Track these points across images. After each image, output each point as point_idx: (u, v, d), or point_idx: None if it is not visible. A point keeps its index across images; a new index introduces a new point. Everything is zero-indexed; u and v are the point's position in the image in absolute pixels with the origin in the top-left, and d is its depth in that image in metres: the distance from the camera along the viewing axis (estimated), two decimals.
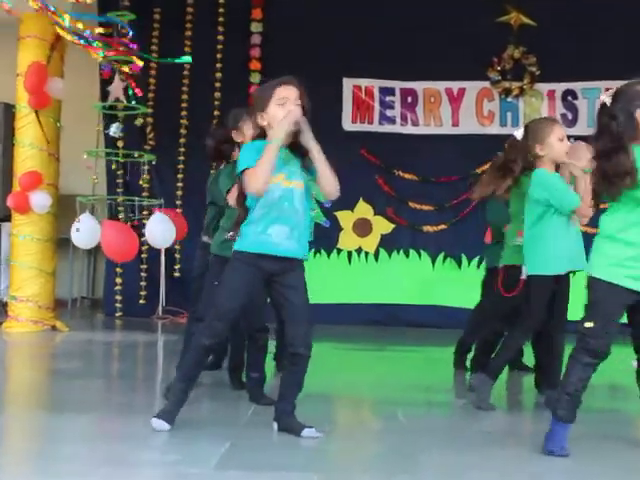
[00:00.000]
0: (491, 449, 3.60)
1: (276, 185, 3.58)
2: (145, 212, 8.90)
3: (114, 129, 7.20)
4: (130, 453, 3.31)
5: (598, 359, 3.53)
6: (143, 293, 9.53)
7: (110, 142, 8.81)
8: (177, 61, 7.56)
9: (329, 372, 6.03)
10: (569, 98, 9.48)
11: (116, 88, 6.91)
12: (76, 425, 3.85)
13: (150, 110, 9.14)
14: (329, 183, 3.69)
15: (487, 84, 9.50)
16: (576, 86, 9.47)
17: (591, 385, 3.55)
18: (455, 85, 9.55)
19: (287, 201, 3.58)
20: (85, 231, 7.24)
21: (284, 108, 3.61)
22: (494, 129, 9.40)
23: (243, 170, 3.59)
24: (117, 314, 9.46)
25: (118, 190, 9.31)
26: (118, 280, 9.56)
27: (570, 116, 9.47)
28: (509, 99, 9.46)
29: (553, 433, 3.55)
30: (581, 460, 3.43)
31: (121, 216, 8.98)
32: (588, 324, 3.52)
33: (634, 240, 3.49)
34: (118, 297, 9.58)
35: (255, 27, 9.67)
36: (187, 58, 7.65)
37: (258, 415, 4.14)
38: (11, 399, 4.63)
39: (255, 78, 9.67)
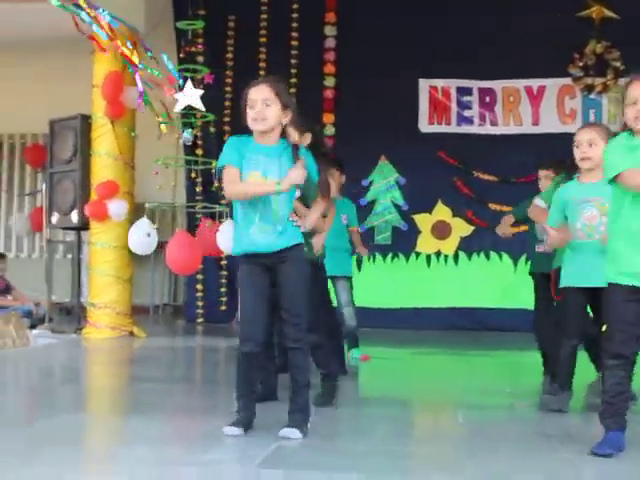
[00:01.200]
0: (545, 453, 3.57)
1: None
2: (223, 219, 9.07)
3: (185, 136, 7.37)
4: (182, 454, 3.40)
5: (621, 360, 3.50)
6: (223, 299, 9.72)
7: (189, 150, 9.04)
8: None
9: (404, 376, 6.08)
10: None
11: (186, 96, 7.06)
12: (141, 427, 3.96)
13: (227, 119, 9.36)
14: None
15: (568, 81, 9.37)
16: None
17: None
18: (535, 83, 9.44)
19: (263, 200, 3.65)
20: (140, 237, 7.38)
21: (252, 110, 3.66)
22: (576, 127, 9.22)
23: (224, 165, 3.69)
24: (198, 320, 9.68)
25: (197, 198, 9.55)
26: (199, 287, 9.78)
27: None
28: (592, 96, 9.31)
29: (605, 440, 3.50)
30: (632, 464, 3.36)
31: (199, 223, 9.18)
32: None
33: None
34: (199, 303, 9.80)
35: (329, 30, 9.77)
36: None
37: (315, 416, 4.20)
38: (87, 401, 4.83)
39: (330, 82, 9.78)
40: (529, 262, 5.86)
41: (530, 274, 5.70)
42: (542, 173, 5.63)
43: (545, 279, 5.43)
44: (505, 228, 5.97)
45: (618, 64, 9.21)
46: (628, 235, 3.52)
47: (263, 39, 9.80)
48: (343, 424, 4.23)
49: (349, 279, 6.58)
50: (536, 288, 5.67)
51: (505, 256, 9.27)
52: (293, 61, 9.78)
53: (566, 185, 4.62)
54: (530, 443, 3.73)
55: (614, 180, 3.49)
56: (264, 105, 3.67)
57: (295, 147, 3.77)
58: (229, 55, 9.81)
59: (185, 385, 5.60)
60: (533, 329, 5.72)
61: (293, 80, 9.72)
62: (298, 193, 4.02)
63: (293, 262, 3.70)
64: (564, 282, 4.55)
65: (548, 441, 3.77)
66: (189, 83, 7.21)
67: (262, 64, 9.77)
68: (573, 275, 4.46)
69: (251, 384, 3.78)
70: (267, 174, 3.66)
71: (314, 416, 4.10)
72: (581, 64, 9.30)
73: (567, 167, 4.95)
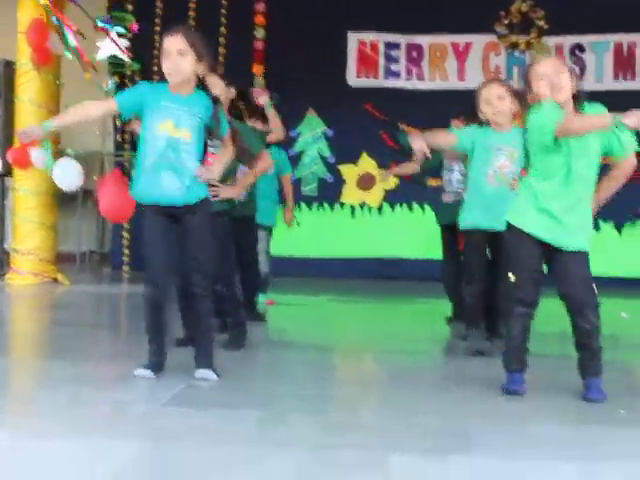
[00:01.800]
0: (447, 394, 3.80)
1: (162, 134, 3.71)
2: None
3: (109, 85, 7.36)
4: (92, 395, 3.54)
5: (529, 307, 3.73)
6: None
7: None
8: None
9: (322, 323, 6.28)
10: (577, 52, 9.50)
11: (109, 45, 7.05)
12: (60, 370, 4.05)
13: (155, 68, 9.33)
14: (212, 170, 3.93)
15: (494, 38, 9.55)
16: (584, 40, 9.48)
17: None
18: (461, 39, 9.61)
19: (173, 151, 3.70)
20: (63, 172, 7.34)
21: (166, 59, 3.72)
22: None
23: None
24: (124, 267, 9.75)
25: (125, 146, 9.60)
26: (125, 234, 9.82)
27: (578, 70, 9.48)
28: (516, 53, 9.51)
29: (511, 381, 3.75)
30: (532, 402, 3.61)
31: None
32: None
33: None
34: (125, 251, 9.86)
35: None
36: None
37: (224, 359, 4.38)
38: (7, 346, 4.92)
39: (260, 33, 9.82)
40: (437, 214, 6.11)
41: (439, 225, 5.95)
42: (453, 123, 5.85)
43: (450, 230, 5.67)
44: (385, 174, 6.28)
45: (542, 23, 9.42)
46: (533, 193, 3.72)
47: None
48: (254, 367, 4.39)
49: (270, 229, 6.79)
50: (443, 239, 5.92)
51: (427, 208, 9.47)
52: (223, 11, 9.78)
53: (482, 128, 4.78)
54: (436, 386, 3.97)
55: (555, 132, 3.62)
56: (179, 56, 3.72)
57: (215, 100, 3.85)
58: (158, 4, 9.76)
59: (105, 330, 5.72)
60: (442, 278, 6.00)
61: (223, 30, 9.75)
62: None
63: (200, 214, 3.79)
64: (467, 224, 4.77)
65: (449, 382, 4.05)
66: (113, 32, 7.22)
67: (191, 13, 9.76)
68: (476, 217, 4.68)
69: (160, 329, 3.88)
70: (179, 125, 3.71)
71: (225, 359, 4.29)
72: (506, 22, 9.48)
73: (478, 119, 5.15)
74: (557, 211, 3.64)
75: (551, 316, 4.07)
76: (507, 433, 3.12)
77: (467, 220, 4.79)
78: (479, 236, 4.71)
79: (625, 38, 9.42)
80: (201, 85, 3.83)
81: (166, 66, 3.74)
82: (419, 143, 4.31)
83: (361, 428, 3.11)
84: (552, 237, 3.66)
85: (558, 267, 3.72)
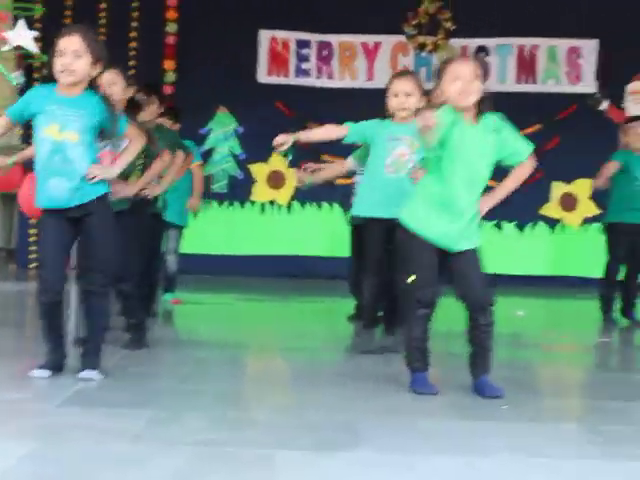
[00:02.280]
0: (338, 388, 3.89)
1: (47, 138, 3.69)
2: None
3: (15, 77, 7.22)
4: None
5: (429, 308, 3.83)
6: None
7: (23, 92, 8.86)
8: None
9: (228, 322, 6.31)
10: (481, 54, 9.67)
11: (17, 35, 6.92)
12: None
13: None
14: (117, 166, 3.95)
15: (402, 38, 9.71)
16: (489, 42, 9.72)
17: None
18: (371, 39, 9.74)
19: (59, 154, 3.68)
20: None
21: (60, 59, 3.66)
22: None
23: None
24: (30, 266, 9.59)
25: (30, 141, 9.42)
26: (31, 231, 9.66)
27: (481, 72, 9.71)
28: (423, 54, 9.68)
29: (416, 381, 3.84)
30: (424, 398, 3.72)
31: None
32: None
33: None
34: (32, 248, 9.70)
35: None
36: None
37: (126, 359, 4.39)
38: None
39: (172, 28, 9.75)
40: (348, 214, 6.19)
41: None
42: None
43: (359, 229, 5.76)
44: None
45: (449, 24, 9.61)
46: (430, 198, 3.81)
47: None
48: (155, 366, 4.40)
49: (181, 227, 6.83)
50: (352, 237, 6.02)
51: (336, 206, 9.59)
52: (134, 4, 9.69)
53: (383, 121, 4.83)
54: (332, 383, 4.05)
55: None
56: (74, 56, 3.67)
57: (105, 99, 3.82)
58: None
59: (7, 329, 5.64)
60: (347, 276, 6.10)
61: (134, 24, 9.67)
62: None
63: (97, 214, 3.77)
64: (365, 213, 4.80)
65: (345, 379, 4.13)
66: (21, 22, 7.09)
67: (102, 5, 9.65)
68: (373, 207, 4.71)
69: (56, 330, 3.86)
70: (65, 127, 3.67)
71: (124, 358, 4.31)
72: (414, 23, 9.65)
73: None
74: (448, 213, 3.74)
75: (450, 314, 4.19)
76: (397, 428, 3.22)
77: (362, 210, 4.82)
78: (377, 226, 4.68)
79: (528, 42, 9.69)
80: (92, 85, 3.78)
81: (59, 65, 3.67)
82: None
83: (253, 425, 3.16)
84: (443, 239, 3.76)
85: (454, 268, 3.82)
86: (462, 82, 3.72)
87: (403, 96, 4.72)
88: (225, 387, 3.88)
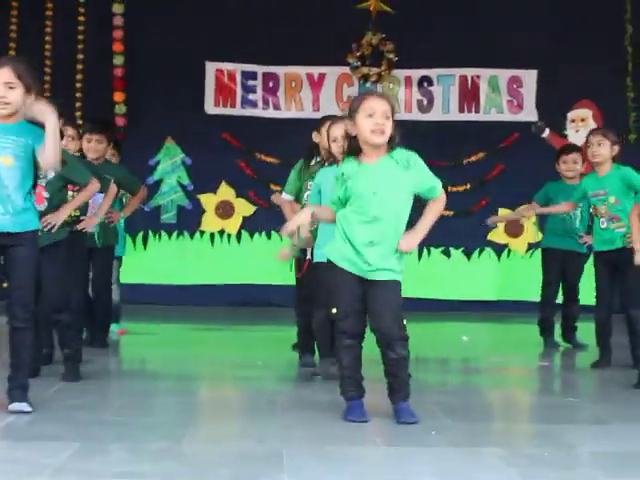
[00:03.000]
0: (273, 417, 3.90)
1: None
2: None
3: None
4: None
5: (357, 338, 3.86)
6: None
7: None
8: None
9: (174, 352, 6.25)
10: (425, 84, 9.87)
11: None
12: None
13: None
14: (49, 155, 3.75)
15: (347, 69, 9.81)
16: (432, 73, 9.86)
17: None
18: (316, 70, 9.83)
19: None
20: None
21: None
22: None
23: None
24: None
25: None
26: None
27: (426, 102, 9.86)
28: (368, 84, 9.76)
29: (350, 409, 3.86)
30: (352, 426, 3.74)
31: None
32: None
33: None
34: None
35: (117, 8, 9.73)
36: None
37: (62, 391, 4.36)
38: None
39: (119, 60, 9.76)
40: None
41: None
42: None
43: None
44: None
45: (392, 55, 9.72)
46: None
47: (49, 12, 9.63)
48: (88, 397, 4.33)
49: (120, 258, 6.83)
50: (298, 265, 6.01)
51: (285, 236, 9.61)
52: (80, 37, 9.69)
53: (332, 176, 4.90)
54: (261, 411, 4.05)
55: None
56: (7, 88, 3.71)
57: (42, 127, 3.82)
58: (13, 27, 9.61)
59: None
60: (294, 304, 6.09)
61: (80, 57, 9.67)
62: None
63: (26, 246, 3.76)
64: (320, 257, 4.83)
65: (275, 407, 4.13)
66: None
67: (48, 37, 9.64)
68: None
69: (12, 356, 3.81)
70: (0, 154, 3.69)
71: (60, 390, 4.28)
72: (358, 54, 9.76)
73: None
74: (361, 244, 3.77)
75: None
76: (324, 456, 3.22)
77: (320, 253, 4.82)
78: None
79: (469, 72, 9.85)
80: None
81: None
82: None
83: (176, 456, 3.14)
84: (357, 269, 3.80)
85: (369, 300, 3.84)
86: (376, 119, 3.76)
87: (340, 140, 4.73)
88: (157, 418, 3.88)
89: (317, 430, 3.67)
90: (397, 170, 3.80)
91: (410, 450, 3.36)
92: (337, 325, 3.90)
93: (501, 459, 3.22)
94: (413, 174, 3.82)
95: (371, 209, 3.78)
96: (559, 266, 6.70)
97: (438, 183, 3.89)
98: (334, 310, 3.87)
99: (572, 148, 7.03)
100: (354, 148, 3.87)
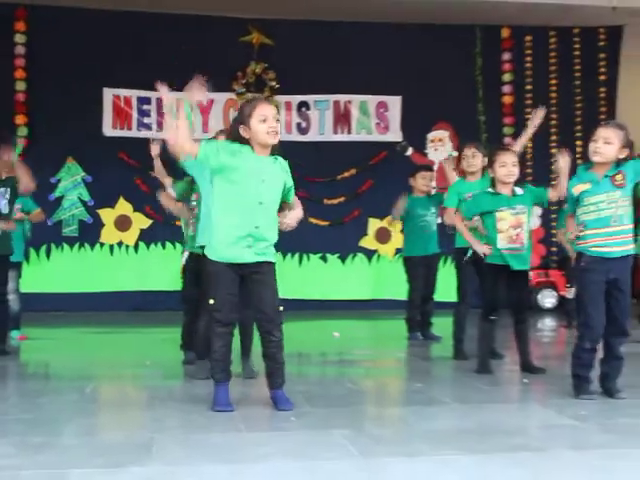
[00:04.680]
0: (149, 411, 3.93)
1: None
2: None
3: None
4: None
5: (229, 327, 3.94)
6: None
7: None
8: None
9: (73, 354, 6.19)
10: (303, 109, 10.03)
11: None
12: None
13: None
14: None
15: (233, 95, 9.89)
16: (309, 98, 10.04)
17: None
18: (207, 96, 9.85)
19: None
20: None
21: None
22: None
23: None
24: None
25: None
26: None
27: (304, 124, 10.03)
28: None
29: (217, 394, 3.91)
30: (219, 415, 3.81)
31: None
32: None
33: None
34: None
35: (19, 38, 9.57)
36: None
37: None
38: None
39: (21, 86, 9.61)
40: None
41: None
42: None
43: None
44: None
45: (273, 83, 9.88)
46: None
47: None
48: None
49: (19, 267, 6.71)
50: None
51: (178, 245, 9.60)
52: None
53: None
54: (142, 405, 4.08)
55: None
56: None
57: None
58: None
59: None
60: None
61: None
62: None
63: None
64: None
65: (155, 401, 4.16)
66: None
67: None
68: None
69: None
70: None
71: None
72: (243, 82, 9.87)
73: None
74: (239, 236, 3.83)
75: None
76: (188, 443, 3.28)
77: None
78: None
79: (342, 98, 10.07)
80: None
81: None
82: None
83: (53, 448, 3.15)
84: (237, 257, 3.84)
85: (250, 290, 3.92)
86: (269, 123, 3.82)
87: None
88: (42, 415, 3.85)
89: (188, 420, 3.72)
90: (277, 168, 3.92)
91: (269, 435, 3.46)
92: (212, 314, 3.90)
93: (346, 439, 3.34)
94: (287, 179, 3.96)
95: (253, 200, 3.83)
96: (422, 270, 6.87)
97: (293, 190, 4.05)
98: (211, 301, 3.88)
99: (428, 167, 7.30)
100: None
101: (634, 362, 5.00)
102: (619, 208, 4.20)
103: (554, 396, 4.29)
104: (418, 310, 6.95)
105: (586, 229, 4.23)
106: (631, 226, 4.26)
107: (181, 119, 3.84)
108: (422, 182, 6.91)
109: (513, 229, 4.95)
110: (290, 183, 3.99)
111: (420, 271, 6.88)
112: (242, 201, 3.83)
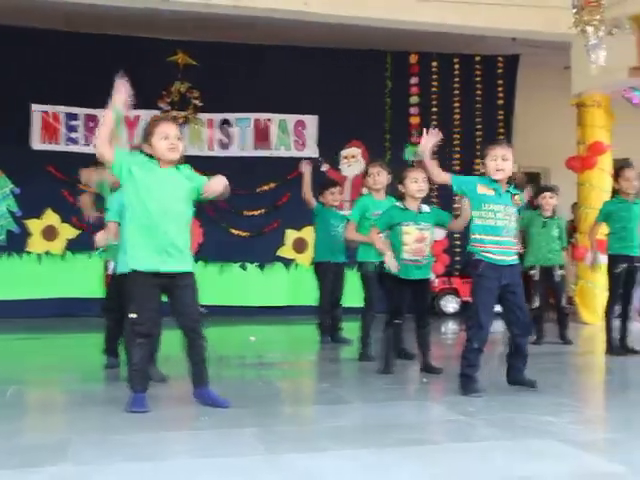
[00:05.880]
0: (66, 413, 3.87)
1: None
2: None
3: None
4: None
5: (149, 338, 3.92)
6: None
7: None
8: None
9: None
10: (225, 126, 10.03)
11: None
12: None
13: None
14: None
15: (158, 112, 9.78)
16: (231, 116, 10.04)
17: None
18: (131, 113, 9.64)
19: None
20: None
21: None
22: None
23: None
24: None
25: None
26: None
27: (226, 140, 10.03)
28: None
29: (134, 401, 3.87)
30: (135, 416, 3.78)
31: None
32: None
33: None
34: None
35: None
36: None
37: None
38: None
39: None
40: None
41: None
42: None
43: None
44: None
45: (197, 101, 9.85)
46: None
47: None
48: None
49: None
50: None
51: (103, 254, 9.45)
52: None
53: None
54: (60, 408, 4.01)
55: None
56: None
57: None
58: None
59: None
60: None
61: None
62: None
63: None
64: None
65: (73, 405, 4.10)
66: None
67: None
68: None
69: None
70: None
71: None
72: (168, 100, 9.80)
73: None
74: (151, 246, 3.82)
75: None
76: (102, 443, 3.25)
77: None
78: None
79: (262, 116, 10.10)
80: None
81: None
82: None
83: None
84: (157, 266, 3.83)
85: (173, 298, 3.92)
86: (171, 140, 3.86)
87: None
88: None
89: (105, 422, 3.68)
90: (182, 178, 3.94)
91: (179, 434, 3.46)
92: (133, 328, 3.86)
93: (254, 436, 3.37)
94: (191, 180, 3.97)
95: (160, 209, 3.84)
96: (332, 276, 6.94)
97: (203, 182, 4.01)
98: (134, 315, 3.84)
99: (334, 183, 7.36)
100: None
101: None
102: (512, 222, 4.41)
103: (449, 394, 4.41)
104: (329, 315, 7.01)
105: (482, 234, 4.39)
106: (514, 240, 4.48)
107: (105, 124, 3.81)
108: (331, 198, 6.98)
109: (417, 243, 5.07)
110: (199, 181, 3.99)
111: (329, 277, 6.95)
112: (149, 212, 3.83)
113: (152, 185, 3.84)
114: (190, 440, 3.32)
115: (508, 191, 4.45)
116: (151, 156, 3.91)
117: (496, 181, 4.44)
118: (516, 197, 4.44)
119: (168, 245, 3.85)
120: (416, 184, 5.09)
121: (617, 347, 6.19)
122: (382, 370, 5.16)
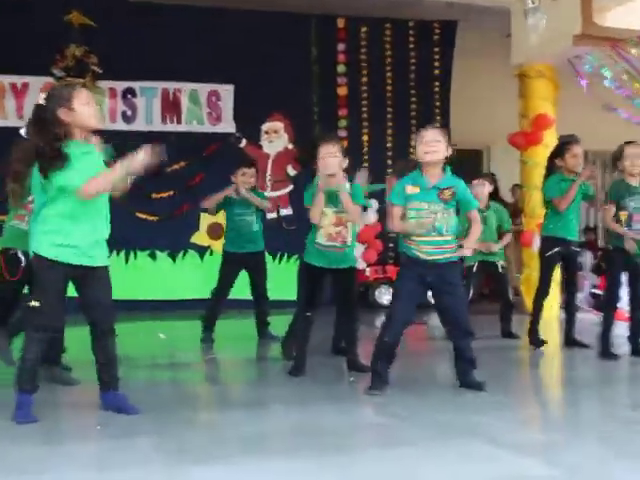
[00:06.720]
0: None
1: None
2: None
3: None
4: None
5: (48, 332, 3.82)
6: None
7: None
8: None
9: None
10: (129, 96, 9.81)
11: None
12: None
13: None
14: None
15: (51, 79, 9.53)
16: (135, 85, 9.83)
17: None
18: (19, 80, 9.47)
19: None
20: None
21: None
22: None
23: None
24: None
25: None
26: None
27: (130, 113, 9.81)
28: None
29: (20, 405, 3.76)
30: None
31: None
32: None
33: None
34: None
35: None
36: None
37: None
38: None
39: None
40: None
41: None
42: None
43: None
44: None
45: (96, 67, 9.60)
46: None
47: None
48: None
49: None
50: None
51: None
52: None
53: None
54: None
55: None
56: None
57: None
58: None
59: None
60: None
61: None
62: None
63: None
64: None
65: None
66: None
67: None
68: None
69: None
70: None
71: None
72: (63, 65, 9.54)
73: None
74: (79, 240, 3.78)
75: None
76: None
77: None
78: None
79: (171, 85, 9.93)
80: None
81: None
82: None
83: None
84: (70, 257, 3.77)
85: (85, 294, 3.87)
86: (93, 106, 3.87)
87: None
88: None
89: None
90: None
91: (70, 447, 3.37)
92: (34, 318, 3.77)
93: (151, 446, 3.32)
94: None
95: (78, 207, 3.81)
96: (234, 267, 6.92)
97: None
98: (36, 303, 3.74)
99: (250, 163, 7.25)
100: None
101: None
102: (439, 220, 4.44)
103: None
104: (217, 310, 7.06)
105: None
106: (450, 237, 4.50)
107: (107, 181, 3.85)
108: (242, 179, 6.84)
109: (334, 227, 5.03)
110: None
111: (231, 268, 6.90)
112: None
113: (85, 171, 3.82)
114: (78, 452, 3.25)
115: (436, 187, 4.48)
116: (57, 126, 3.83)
117: (422, 173, 4.49)
118: (445, 192, 4.48)
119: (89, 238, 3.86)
120: (322, 160, 4.96)
121: (538, 338, 6.37)
122: (292, 371, 5.08)
